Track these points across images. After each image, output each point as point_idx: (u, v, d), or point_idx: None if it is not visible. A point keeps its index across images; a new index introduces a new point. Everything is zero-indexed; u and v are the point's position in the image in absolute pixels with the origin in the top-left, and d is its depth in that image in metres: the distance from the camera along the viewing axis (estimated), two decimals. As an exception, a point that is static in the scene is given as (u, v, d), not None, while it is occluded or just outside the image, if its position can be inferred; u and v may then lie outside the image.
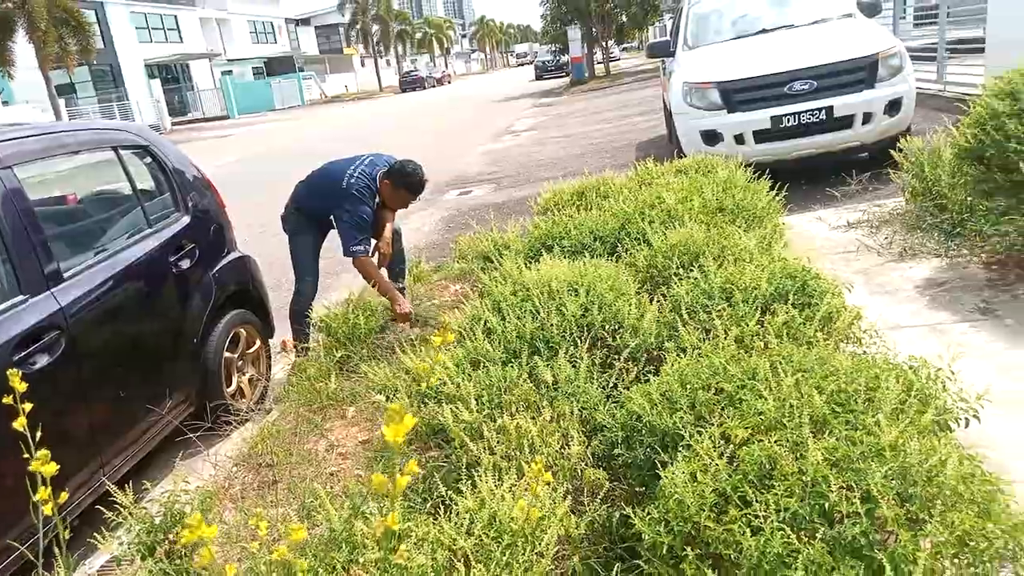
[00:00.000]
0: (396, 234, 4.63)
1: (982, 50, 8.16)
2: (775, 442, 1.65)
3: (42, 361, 2.59)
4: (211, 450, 3.33)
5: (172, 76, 43.20)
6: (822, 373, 1.88)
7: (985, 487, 1.51)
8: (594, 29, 29.45)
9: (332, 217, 4.15)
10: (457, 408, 2.09)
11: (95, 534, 2.21)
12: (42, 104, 26.40)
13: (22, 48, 23.16)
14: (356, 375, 3.65)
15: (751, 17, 7.36)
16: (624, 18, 28.71)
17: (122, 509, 2.25)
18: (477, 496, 1.70)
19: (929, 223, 4.57)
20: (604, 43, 30.69)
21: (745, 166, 4.87)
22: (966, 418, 1.84)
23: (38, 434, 1.78)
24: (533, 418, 2.05)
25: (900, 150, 4.90)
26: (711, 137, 6.41)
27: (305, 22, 62.35)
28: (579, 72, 28.92)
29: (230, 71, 46.06)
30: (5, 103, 30.46)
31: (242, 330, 3.97)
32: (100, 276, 2.98)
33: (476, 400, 2.16)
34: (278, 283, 6.27)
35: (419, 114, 26.71)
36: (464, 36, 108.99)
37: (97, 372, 2.89)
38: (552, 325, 2.53)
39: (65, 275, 2.82)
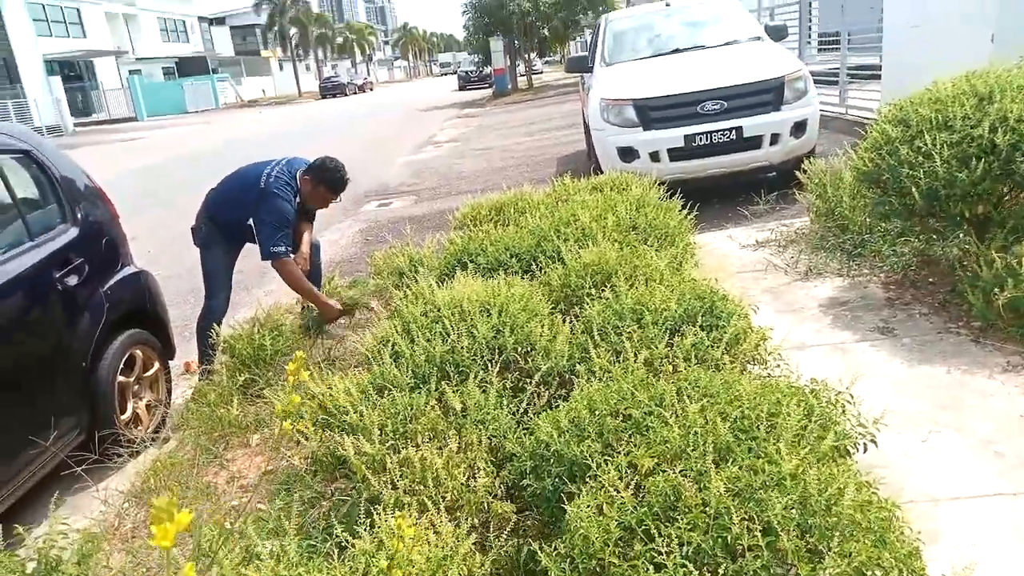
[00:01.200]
0: (314, 248, 4.47)
1: (879, 76, 8.64)
2: (680, 472, 1.64)
3: None
4: (101, 484, 3.09)
5: (75, 74, 40.90)
6: (727, 398, 1.89)
7: (881, 514, 1.53)
8: (516, 41, 29.72)
9: (251, 222, 3.94)
10: (358, 439, 2.00)
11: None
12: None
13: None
14: (261, 399, 3.48)
15: (665, 36, 7.55)
16: (546, 32, 29.10)
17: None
18: (375, 537, 1.61)
19: (832, 243, 4.76)
20: (527, 56, 31.00)
21: (660, 184, 4.97)
22: (863, 443, 1.89)
23: None
24: (439, 448, 1.98)
25: (805, 171, 5.10)
26: (627, 153, 6.51)
27: (220, 21, 60.38)
28: (502, 84, 29.09)
29: (139, 71, 44.03)
30: None
31: (138, 351, 3.72)
32: (-31, 294, 2.73)
33: (380, 430, 2.08)
34: (183, 299, 5.98)
35: (340, 121, 26.23)
36: (387, 43, 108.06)
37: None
38: (463, 348, 2.47)
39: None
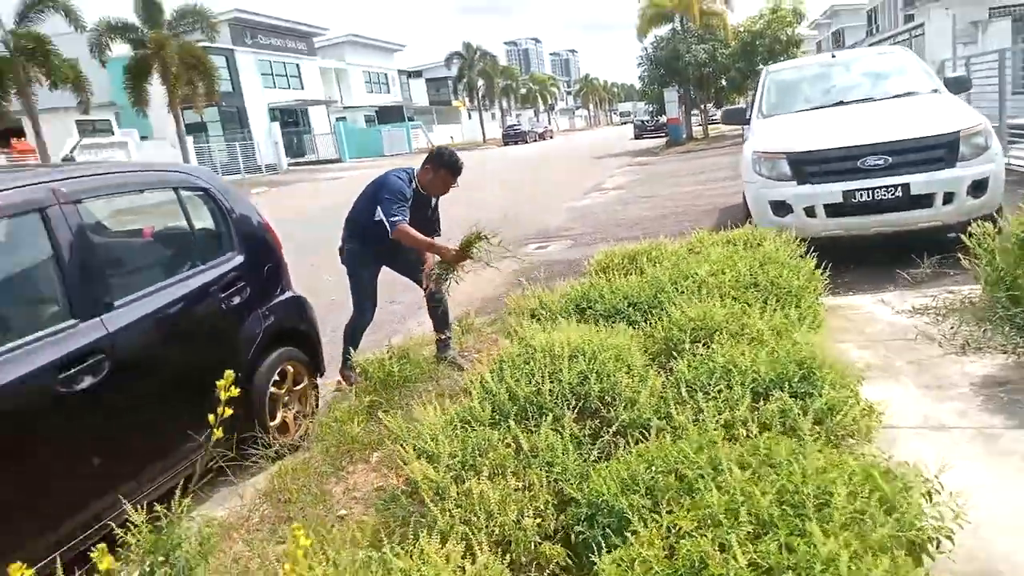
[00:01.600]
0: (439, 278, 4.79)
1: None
2: (713, 539, 1.61)
3: (86, 381, 2.83)
4: (248, 482, 3.49)
5: (292, 120, 46.19)
6: (786, 471, 1.82)
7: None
8: (691, 92, 29.45)
9: (377, 205, 4.49)
10: (425, 466, 2.14)
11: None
12: (172, 140, 28.76)
13: (157, 89, 25.48)
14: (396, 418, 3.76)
15: (829, 88, 7.23)
16: (724, 82, 28.60)
17: (133, 529, 2.40)
18: (415, 561, 1.73)
19: (1000, 315, 4.29)
20: (702, 105, 30.63)
21: (802, 240, 4.76)
22: (937, 539, 1.73)
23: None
24: (500, 484, 2.07)
25: (970, 234, 4.65)
26: (780, 208, 6.28)
27: (417, 74, 65.53)
28: (676, 133, 28.90)
29: (344, 117, 48.78)
30: (144, 138, 33.40)
31: (290, 367, 4.17)
32: (148, 307, 3.24)
33: (450, 458, 2.21)
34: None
35: (516, 167, 27.36)
36: (569, 93, 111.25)
37: (137, 396, 3.10)
38: (546, 391, 2.55)
39: (116, 304, 3.08)
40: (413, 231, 4.41)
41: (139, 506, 2.61)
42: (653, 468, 1.96)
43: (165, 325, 3.31)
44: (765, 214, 6.39)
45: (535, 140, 53.21)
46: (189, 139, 29.48)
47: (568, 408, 2.48)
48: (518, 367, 2.76)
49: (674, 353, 2.97)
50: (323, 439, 3.64)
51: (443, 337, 4.78)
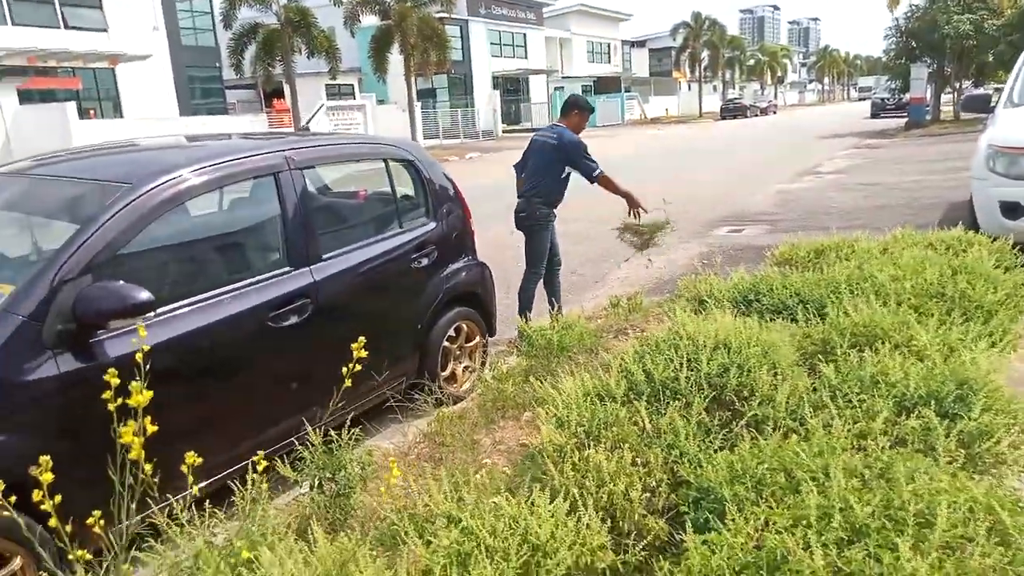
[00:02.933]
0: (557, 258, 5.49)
1: None
2: (802, 538, 1.65)
3: (292, 320, 3.38)
4: (414, 422, 3.95)
5: (513, 88, 47.85)
6: (901, 487, 1.78)
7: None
8: (947, 68, 26.11)
9: (567, 171, 5.28)
10: (553, 431, 2.35)
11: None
12: (404, 106, 31.14)
13: (395, 57, 27.69)
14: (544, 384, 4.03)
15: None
16: (990, 57, 24.96)
17: (312, 447, 2.89)
18: (525, 506, 1.96)
19: None
20: (958, 84, 27.04)
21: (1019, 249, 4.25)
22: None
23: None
24: (616, 457, 2.23)
25: None
26: (1012, 211, 5.60)
27: (640, 44, 64.52)
28: (918, 114, 25.88)
29: (562, 87, 49.53)
30: (381, 102, 36.51)
31: (464, 325, 4.58)
32: (350, 261, 3.74)
33: (577, 426, 2.40)
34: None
35: (729, 145, 26.24)
36: (804, 65, 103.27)
37: (332, 335, 3.63)
38: (682, 377, 2.64)
39: (323, 256, 3.61)
40: (611, 179, 5.23)
41: (320, 429, 3.12)
42: (764, 464, 2.00)
43: (361, 278, 3.80)
44: (993, 216, 5.73)
45: (755, 115, 50.35)
46: (418, 105, 31.78)
47: (701, 396, 2.55)
48: (661, 351, 2.86)
49: (828, 357, 2.89)
50: (483, 394, 3.98)
51: (554, 299, 5.17)
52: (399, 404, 3.82)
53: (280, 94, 28.79)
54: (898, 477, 1.84)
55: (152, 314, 2.72)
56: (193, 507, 2.37)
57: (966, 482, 1.84)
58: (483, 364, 4.79)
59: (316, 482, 2.73)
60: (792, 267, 4.81)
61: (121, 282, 2.65)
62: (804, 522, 1.74)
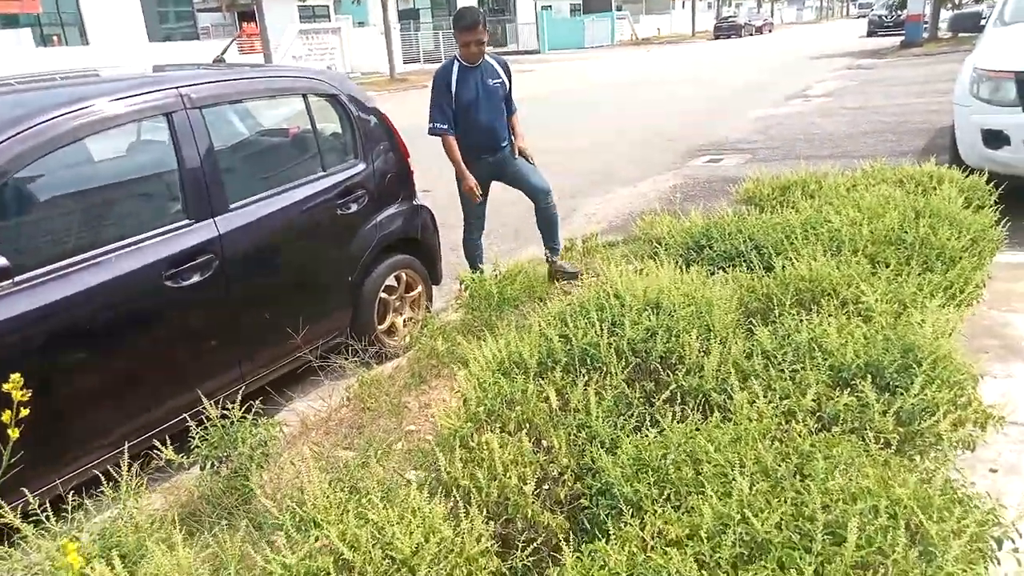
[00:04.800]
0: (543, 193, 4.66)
1: None
2: (695, 555, 1.42)
3: (194, 278, 3.08)
4: (339, 384, 3.69)
5: (499, 7, 45.93)
6: (820, 484, 1.54)
7: None
8: (949, -19, 25.05)
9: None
10: (451, 413, 2.10)
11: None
12: (383, 28, 29.82)
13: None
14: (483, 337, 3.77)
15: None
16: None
17: (208, 421, 2.64)
18: (397, 510, 1.72)
19: None
20: (956, 1, 26.00)
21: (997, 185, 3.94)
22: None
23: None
24: (515, 443, 1.98)
25: None
26: (995, 139, 5.26)
27: (632, -42, 61.77)
28: (914, 32, 24.91)
29: (549, 6, 47.64)
30: (360, 24, 35.00)
31: (403, 273, 4.28)
32: (262, 211, 3.41)
33: (478, 404, 2.14)
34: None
35: (717, 65, 25.36)
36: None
37: (244, 293, 3.33)
38: (604, 344, 2.37)
39: (231, 206, 3.28)
40: (450, 147, 4.40)
41: (234, 398, 2.87)
42: (671, 454, 1.76)
43: (276, 229, 3.47)
44: (974, 145, 5.40)
45: (750, 35, 48.70)
46: (397, 27, 30.47)
47: (621, 365, 2.29)
48: (586, 312, 2.58)
49: (770, 316, 2.63)
50: (418, 351, 3.73)
51: (550, 246, 4.71)
52: (324, 364, 3.56)
53: (252, 17, 27.46)
54: (817, 473, 1.59)
55: (9, 281, 2.41)
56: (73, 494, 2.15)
57: (893, 477, 1.60)
58: (428, 315, 4.53)
59: (207, 464, 2.49)
60: (756, 206, 4.50)
61: (-32, 247, 2.34)
62: (701, 533, 1.50)
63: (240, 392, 3.33)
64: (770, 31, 53.70)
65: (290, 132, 4.24)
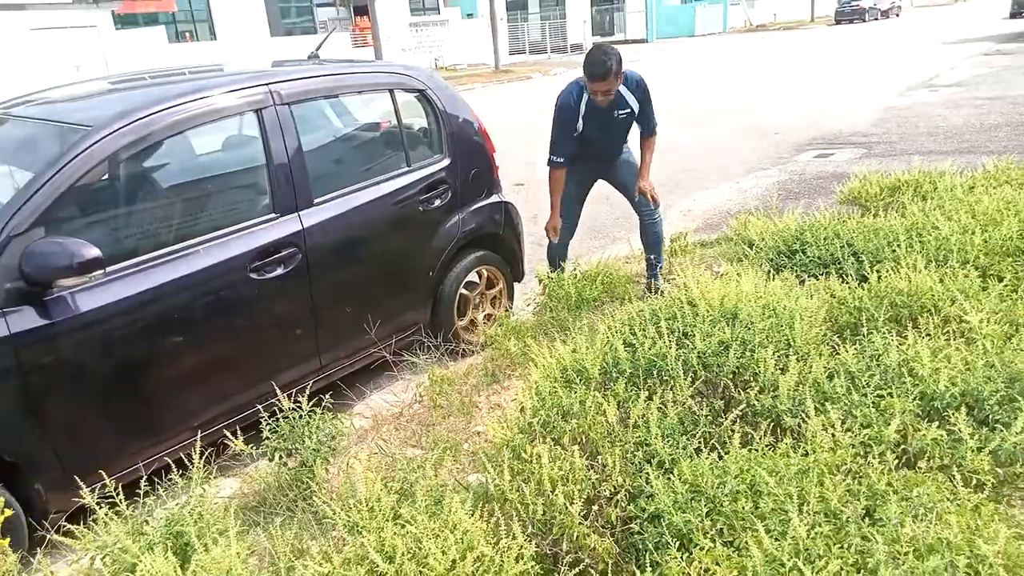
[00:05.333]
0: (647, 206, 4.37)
1: None
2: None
3: (278, 271, 3.17)
4: (419, 378, 3.72)
5: (610, -5, 45.26)
6: (892, 533, 1.39)
7: None
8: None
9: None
10: (503, 423, 2.05)
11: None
12: (487, 20, 30.05)
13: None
14: (554, 338, 3.70)
15: None
16: None
17: (281, 412, 2.71)
18: (438, 522, 1.69)
19: None
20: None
21: None
22: None
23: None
24: (567, 458, 1.92)
25: None
26: None
27: (748, -59, 59.25)
28: (1068, 12, 22.65)
29: (661, -7, 46.49)
30: (469, 15, 35.43)
31: (484, 270, 4.27)
32: (346, 205, 3.47)
33: (533, 414, 2.09)
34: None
35: (836, 52, 23.96)
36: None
37: (326, 286, 3.41)
38: (672, 356, 2.26)
39: (315, 201, 3.36)
40: (555, 184, 4.22)
41: (314, 387, 2.94)
42: (728, 483, 1.64)
43: (359, 223, 3.52)
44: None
45: (875, 19, 45.69)
46: (503, 19, 30.60)
47: (688, 380, 2.17)
48: (658, 319, 2.47)
49: (858, 332, 2.42)
50: (490, 348, 3.70)
51: (651, 259, 4.48)
52: (400, 358, 3.60)
53: (366, 11, 28.32)
54: (888, 517, 1.44)
55: (101, 272, 2.56)
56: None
57: (982, 528, 1.42)
58: (508, 311, 4.50)
59: (275, 455, 2.56)
60: (861, 207, 4.19)
61: (68, 238, 2.50)
62: (754, 571, 1.39)
63: (319, 382, 3.42)
64: (898, 15, 50.16)
65: (381, 126, 4.30)
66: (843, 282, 2.89)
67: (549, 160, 4.18)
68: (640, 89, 4.11)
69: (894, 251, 2.91)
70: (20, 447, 2.47)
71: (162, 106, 2.89)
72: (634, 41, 41.24)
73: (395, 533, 1.64)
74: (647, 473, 1.89)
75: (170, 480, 2.27)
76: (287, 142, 3.25)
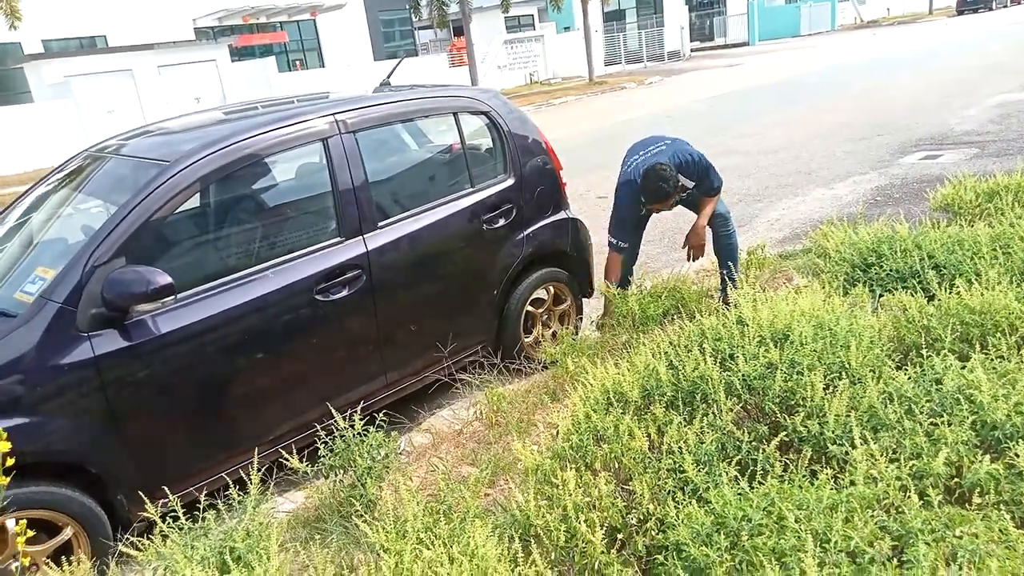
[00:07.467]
0: (721, 218, 4.24)
1: None
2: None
3: (342, 292, 3.30)
4: (478, 397, 3.74)
5: (708, 1, 44.30)
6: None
7: None
8: None
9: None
10: (534, 447, 2.05)
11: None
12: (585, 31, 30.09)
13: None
14: (615, 357, 3.65)
15: None
16: None
17: (338, 430, 2.81)
18: (457, 547, 1.71)
19: None
20: None
21: None
22: None
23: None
24: (594, 484, 1.89)
25: None
26: None
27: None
28: None
29: (763, -5, 45.06)
30: (566, 29, 35.61)
31: (551, 287, 4.28)
32: (408, 228, 3.57)
33: (565, 439, 2.07)
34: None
35: (954, 45, 22.39)
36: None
37: (391, 306, 3.51)
38: (715, 378, 2.19)
39: (379, 224, 3.48)
40: (612, 266, 4.22)
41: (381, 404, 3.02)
42: (750, 517, 1.56)
43: (422, 245, 3.62)
44: None
45: (1004, 6, 42.36)
46: (597, 31, 30.56)
47: (730, 404, 2.10)
48: (707, 339, 2.40)
49: (922, 352, 2.26)
50: (557, 367, 3.69)
51: (724, 273, 4.34)
52: (464, 376, 3.66)
53: (462, 31, 29.07)
54: (915, 561, 1.33)
55: (172, 298, 2.75)
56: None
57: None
58: (576, 329, 4.47)
59: (330, 474, 2.66)
60: (955, 214, 3.91)
61: (142, 267, 2.70)
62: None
63: (386, 400, 3.53)
64: (1030, 0, 46.26)
65: (452, 148, 4.40)
66: (915, 298, 2.70)
67: (611, 243, 4.20)
68: (697, 168, 4.05)
69: (976, 264, 2.69)
70: (103, 460, 2.69)
71: (233, 140, 3.08)
72: (735, 45, 40.12)
73: (415, 557, 1.67)
74: (675, 502, 1.83)
75: (240, 495, 2.40)
76: (352, 169, 3.39)
